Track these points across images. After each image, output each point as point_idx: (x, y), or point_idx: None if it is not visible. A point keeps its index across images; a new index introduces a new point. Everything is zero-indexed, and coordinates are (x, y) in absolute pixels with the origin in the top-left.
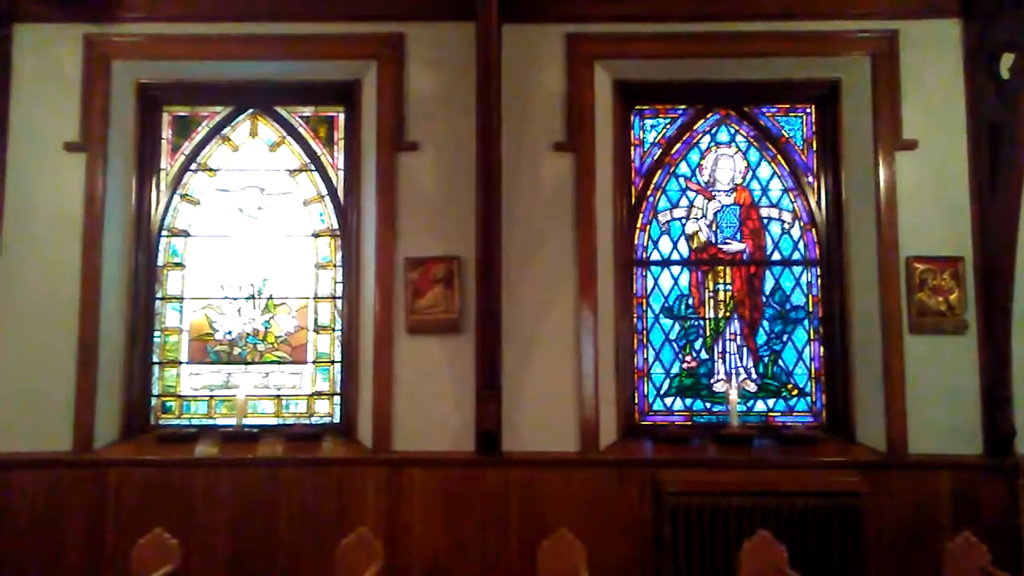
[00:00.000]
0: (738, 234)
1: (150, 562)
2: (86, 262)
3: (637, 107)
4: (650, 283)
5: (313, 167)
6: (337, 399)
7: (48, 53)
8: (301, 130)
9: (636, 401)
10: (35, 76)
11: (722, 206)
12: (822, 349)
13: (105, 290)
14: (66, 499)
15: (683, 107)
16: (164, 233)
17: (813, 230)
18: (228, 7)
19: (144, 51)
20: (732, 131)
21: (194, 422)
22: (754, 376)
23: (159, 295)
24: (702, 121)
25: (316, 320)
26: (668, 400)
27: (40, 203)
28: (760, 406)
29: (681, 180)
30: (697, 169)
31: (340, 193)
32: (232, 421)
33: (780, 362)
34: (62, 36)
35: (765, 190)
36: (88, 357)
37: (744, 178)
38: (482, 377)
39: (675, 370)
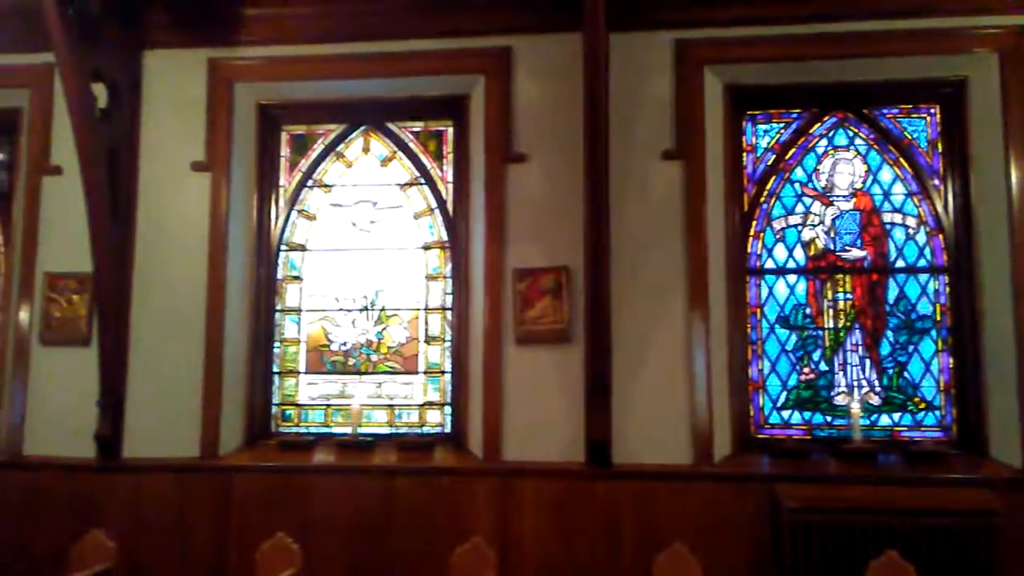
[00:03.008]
0: (858, 241)
1: (274, 565)
2: (212, 277)
3: (749, 112)
4: (764, 292)
5: (423, 180)
6: (448, 409)
7: (175, 78)
8: (411, 145)
9: (751, 414)
10: (163, 100)
11: (841, 212)
12: (951, 360)
13: (229, 303)
14: (194, 502)
15: (798, 111)
16: (283, 247)
17: (940, 235)
18: (341, 28)
19: (264, 73)
20: (851, 134)
21: (312, 430)
22: (878, 389)
23: (278, 307)
24: (818, 125)
25: (427, 331)
26: (785, 413)
27: (169, 220)
28: (885, 420)
29: (796, 186)
30: (813, 174)
31: (449, 206)
32: (347, 430)
33: (906, 374)
34: (187, 61)
35: (887, 194)
36: (214, 367)
37: (864, 182)
38: (592, 387)
39: (792, 382)
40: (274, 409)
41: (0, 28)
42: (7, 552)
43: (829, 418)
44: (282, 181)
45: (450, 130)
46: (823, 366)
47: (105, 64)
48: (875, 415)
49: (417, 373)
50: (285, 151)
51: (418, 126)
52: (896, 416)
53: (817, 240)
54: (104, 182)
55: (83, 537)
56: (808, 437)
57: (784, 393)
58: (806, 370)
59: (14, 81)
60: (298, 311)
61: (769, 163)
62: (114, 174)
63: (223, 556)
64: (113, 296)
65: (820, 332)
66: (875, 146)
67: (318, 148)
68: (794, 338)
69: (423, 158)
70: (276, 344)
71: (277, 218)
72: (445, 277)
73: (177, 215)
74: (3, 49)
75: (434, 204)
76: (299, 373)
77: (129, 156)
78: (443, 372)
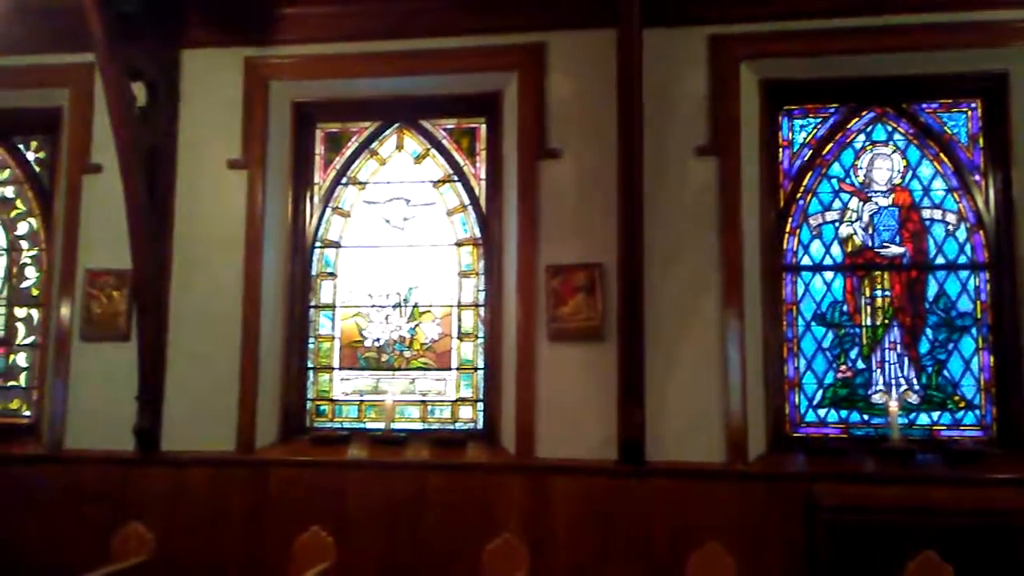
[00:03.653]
0: (897, 237)
1: (308, 558)
2: (248, 273)
3: (785, 107)
4: (800, 289)
5: (456, 177)
6: (480, 405)
7: (212, 76)
8: (444, 142)
9: (787, 412)
10: (201, 98)
11: (879, 208)
12: (992, 359)
13: (264, 299)
14: (230, 495)
15: (835, 106)
16: (317, 244)
17: (981, 232)
18: (375, 26)
19: (299, 72)
20: (889, 129)
21: (346, 425)
22: (916, 387)
23: (313, 304)
24: (856, 120)
25: (460, 327)
26: (821, 411)
27: (206, 217)
28: (923, 419)
29: (834, 182)
30: (851, 170)
31: (482, 202)
32: (381, 425)
33: (945, 372)
34: (224, 60)
35: (927, 190)
36: (250, 363)
37: (903, 178)
38: (625, 385)
39: (829, 380)
40: (308, 404)
41: (41, 28)
42: (49, 543)
43: (866, 417)
44: (317, 178)
45: (483, 127)
46: (860, 364)
47: (144, 63)
48: (913, 414)
49: (450, 369)
50: (320, 149)
51: (451, 123)
52: (935, 415)
53: (855, 236)
54: (143, 180)
55: (122, 529)
56: (845, 436)
57: (820, 391)
58: (843, 368)
59: (55, 80)
60: (332, 307)
61: (805, 159)
62: (153, 172)
63: (259, 548)
64: (152, 292)
65: (857, 330)
66: (914, 141)
67: (352, 145)
68: (831, 336)
69: (456, 155)
70: (310, 340)
71: (312, 215)
72: (478, 274)
73: (214, 212)
74: (44, 48)
75: (467, 201)
76: (333, 369)
77: (167, 154)
78: (476, 368)
